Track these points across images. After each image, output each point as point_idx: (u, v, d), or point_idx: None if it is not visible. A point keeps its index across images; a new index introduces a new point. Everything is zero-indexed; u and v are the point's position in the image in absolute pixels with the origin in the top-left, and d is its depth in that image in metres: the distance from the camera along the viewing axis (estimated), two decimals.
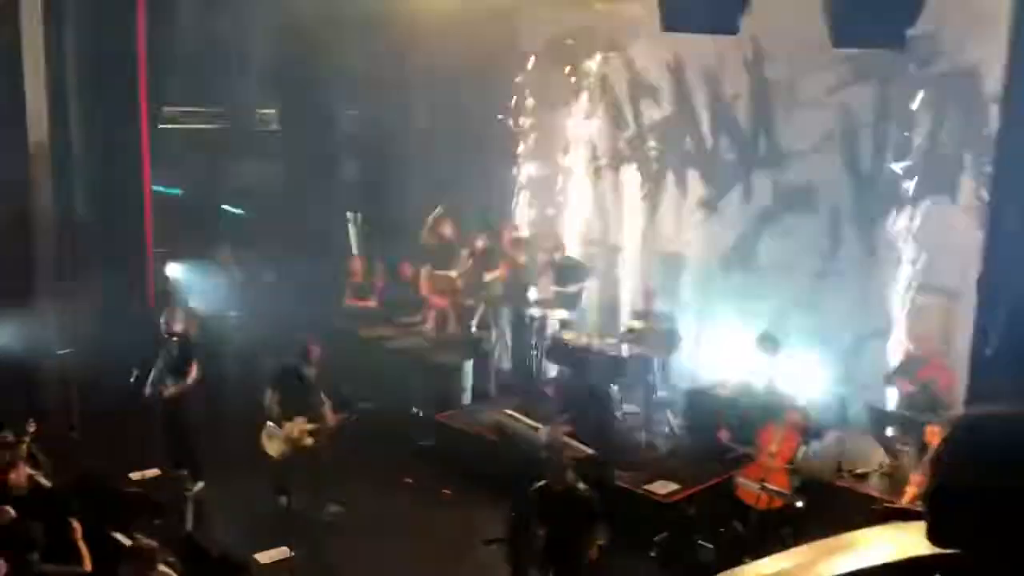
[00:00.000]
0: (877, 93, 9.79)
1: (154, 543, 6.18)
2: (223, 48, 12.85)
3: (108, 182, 10.57)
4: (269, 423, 8.22)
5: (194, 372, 9.08)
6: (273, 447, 8.13)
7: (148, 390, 9.01)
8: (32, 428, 8.10)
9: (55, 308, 10.45)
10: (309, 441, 8.04)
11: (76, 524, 6.59)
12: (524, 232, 12.18)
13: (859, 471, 8.58)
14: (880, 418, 8.58)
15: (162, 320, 9.23)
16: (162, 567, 6.26)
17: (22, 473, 7.59)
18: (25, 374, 10.32)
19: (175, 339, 9.10)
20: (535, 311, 10.90)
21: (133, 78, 10.30)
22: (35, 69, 10.07)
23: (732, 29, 4.11)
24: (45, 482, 7.98)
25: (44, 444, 9.60)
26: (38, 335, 10.25)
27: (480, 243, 11.80)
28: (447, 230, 11.73)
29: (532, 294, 11.31)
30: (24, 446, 7.82)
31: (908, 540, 1.97)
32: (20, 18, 9.90)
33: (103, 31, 10.30)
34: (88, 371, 10.61)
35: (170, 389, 8.98)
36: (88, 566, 6.44)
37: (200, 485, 9.13)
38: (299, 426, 7.99)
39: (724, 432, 8.34)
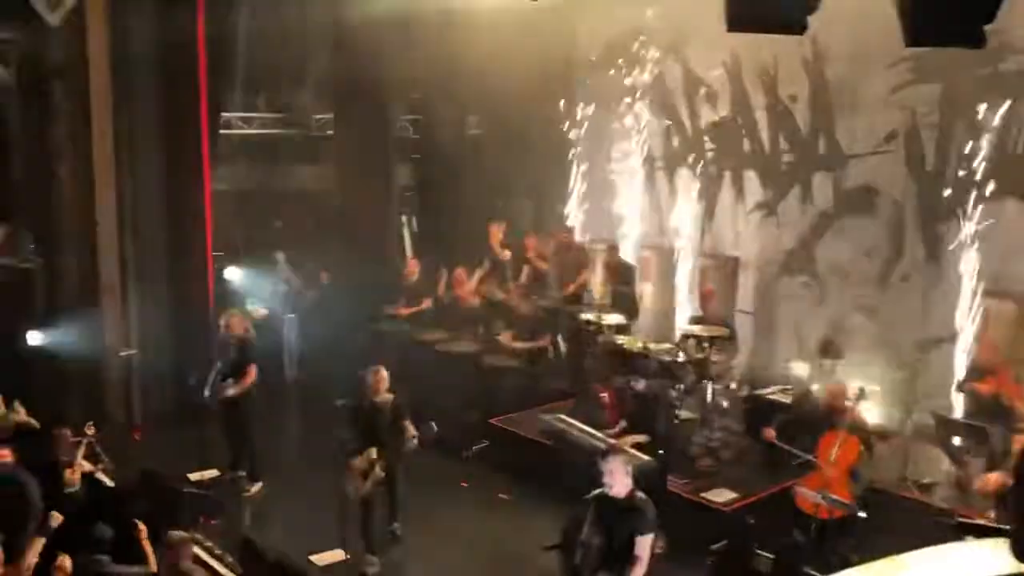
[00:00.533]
0: (943, 92, 9.53)
1: (186, 535, 6.23)
2: (280, 54, 13.05)
3: (170, 186, 10.72)
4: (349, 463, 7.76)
5: (252, 374, 9.14)
6: (351, 487, 7.68)
7: (207, 392, 9.06)
8: (91, 430, 8.29)
9: (119, 310, 10.64)
10: (380, 473, 7.63)
11: (142, 525, 6.68)
12: (577, 235, 12.06)
13: (924, 481, 8.36)
14: (946, 427, 8.33)
15: (221, 322, 9.32)
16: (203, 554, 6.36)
17: (78, 472, 7.78)
18: (90, 375, 10.54)
19: (234, 341, 9.16)
20: (589, 315, 10.81)
21: (194, 84, 10.45)
22: (99, 67, 10.31)
23: (800, 28, 3.98)
24: (108, 481, 8.16)
25: (106, 445, 9.90)
26: (102, 336, 10.46)
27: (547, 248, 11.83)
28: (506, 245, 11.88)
29: (586, 298, 11.22)
30: (83, 446, 8.01)
31: (987, 556, 1.87)
32: (86, 16, 10.16)
33: (164, 38, 10.45)
34: (150, 372, 10.83)
35: (229, 391, 9.05)
36: (154, 567, 6.52)
37: (258, 486, 9.24)
38: (369, 458, 7.60)
39: (769, 431, 8.18)
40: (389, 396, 7.68)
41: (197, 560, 6.83)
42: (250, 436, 9.26)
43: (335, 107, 13.43)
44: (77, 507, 7.28)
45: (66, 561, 5.84)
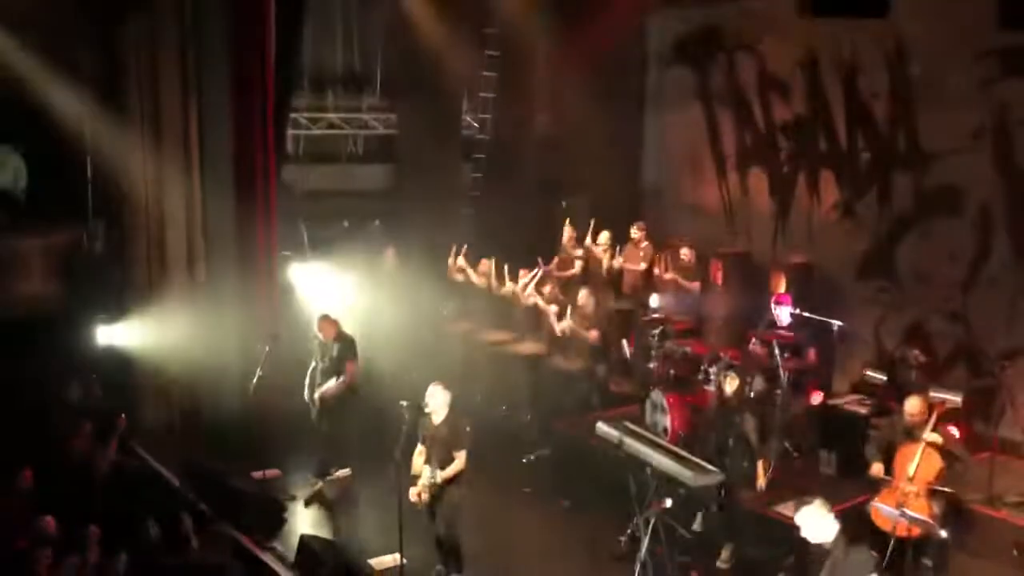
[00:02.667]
0: None
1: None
2: (346, 53, 13.10)
3: (237, 186, 10.79)
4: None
5: (351, 373, 9.21)
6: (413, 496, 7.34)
7: (307, 392, 9.31)
8: (122, 422, 8.57)
9: (187, 310, 10.76)
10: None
11: (187, 518, 6.78)
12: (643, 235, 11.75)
13: (1012, 499, 7.91)
14: None
15: (316, 322, 9.42)
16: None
17: (102, 463, 8.13)
18: (156, 373, 10.69)
19: (328, 342, 9.25)
20: (656, 316, 10.55)
21: (262, 82, 10.49)
22: (169, 68, 10.49)
23: (880, 11, 3.72)
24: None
25: (167, 442, 10.03)
26: (170, 336, 10.58)
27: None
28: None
29: (654, 301, 10.95)
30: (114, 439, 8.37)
31: None
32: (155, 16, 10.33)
33: (232, 37, 10.53)
34: (216, 371, 10.92)
35: (328, 390, 9.15)
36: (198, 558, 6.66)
37: (346, 471, 9.32)
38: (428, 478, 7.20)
39: (877, 467, 7.50)
40: (452, 415, 7.23)
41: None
42: (340, 432, 9.29)
43: (400, 106, 13.41)
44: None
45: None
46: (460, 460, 7.13)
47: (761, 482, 7.65)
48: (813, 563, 7.21)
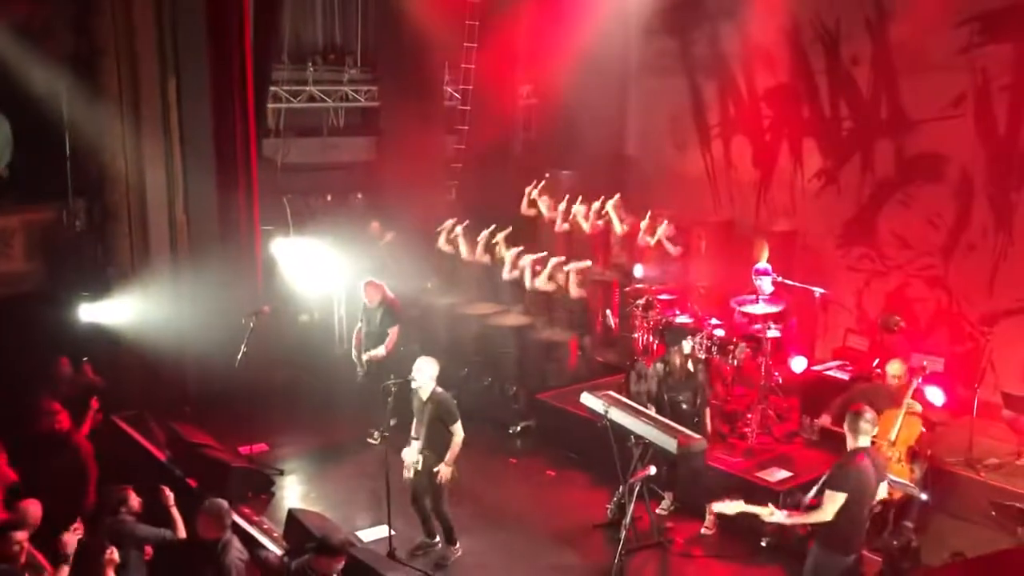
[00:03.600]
0: (1015, 52, 9.02)
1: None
2: (326, 26, 13.00)
3: (218, 160, 10.70)
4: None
5: (394, 337, 9.46)
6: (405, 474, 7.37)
7: (353, 352, 9.64)
8: (95, 405, 8.68)
9: (170, 286, 10.72)
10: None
11: (168, 490, 6.76)
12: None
13: (990, 461, 8.01)
14: (1016, 405, 7.95)
15: (361, 291, 9.62)
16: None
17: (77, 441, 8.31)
18: (141, 350, 10.64)
19: (374, 307, 9.48)
20: (640, 287, 10.58)
21: (241, 57, 10.39)
22: (146, 43, 10.34)
23: None
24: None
25: (158, 421, 10.03)
26: (154, 312, 10.54)
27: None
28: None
29: (638, 271, 10.97)
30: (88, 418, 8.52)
31: None
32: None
33: (210, 12, 10.41)
34: (201, 347, 10.90)
35: (376, 354, 9.43)
36: (182, 532, 6.60)
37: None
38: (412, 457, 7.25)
39: (824, 417, 8.00)
40: (436, 390, 7.21)
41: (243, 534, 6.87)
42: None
43: (382, 78, 13.32)
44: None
45: (114, 554, 5.88)
46: (457, 435, 7.16)
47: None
48: (796, 528, 7.36)
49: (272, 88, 11.84)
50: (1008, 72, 9.09)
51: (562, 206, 11.94)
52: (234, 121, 10.47)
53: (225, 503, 6.18)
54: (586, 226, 11.55)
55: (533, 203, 12.12)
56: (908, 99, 9.96)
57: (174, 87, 10.58)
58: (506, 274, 10.92)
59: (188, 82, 10.59)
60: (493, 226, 11.38)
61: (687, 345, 8.06)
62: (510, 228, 11.43)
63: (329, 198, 13.08)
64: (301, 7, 12.84)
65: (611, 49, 12.57)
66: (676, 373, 8.08)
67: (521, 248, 11.05)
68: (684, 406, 7.98)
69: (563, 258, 10.74)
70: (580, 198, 11.89)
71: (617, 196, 11.58)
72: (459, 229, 11.68)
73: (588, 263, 10.81)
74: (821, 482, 5.83)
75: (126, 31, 10.30)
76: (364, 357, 9.54)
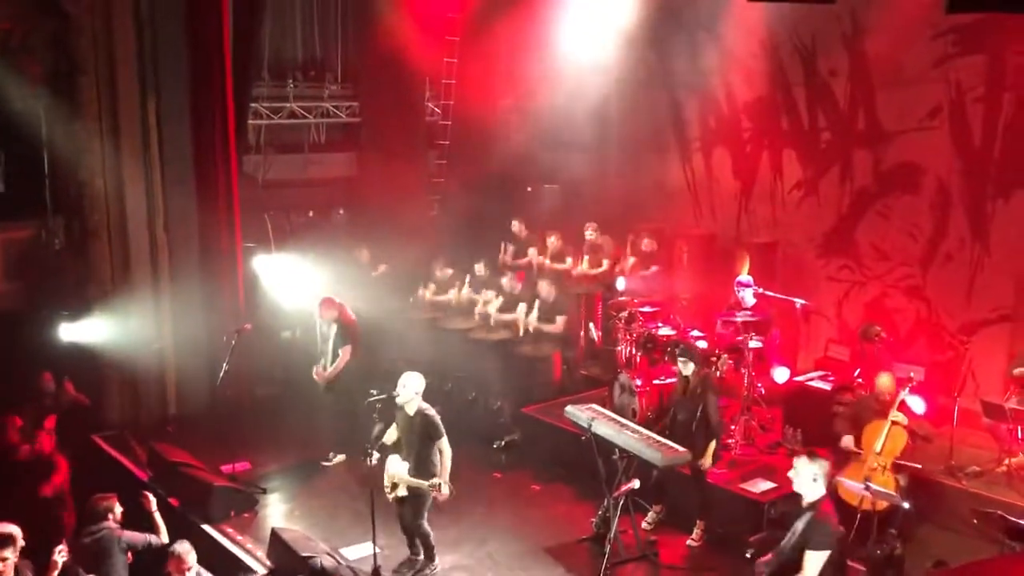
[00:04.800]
0: (989, 64, 9.14)
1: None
2: (306, 42, 13.00)
3: (198, 177, 10.67)
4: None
5: (346, 356, 9.29)
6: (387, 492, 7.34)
7: (315, 374, 9.48)
8: (49, 424, 8.81)
9: (151, 304, 10.66)
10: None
11: (151, 496, 6.90)
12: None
13: (971, 470, 8.07)
14: (995, 413, 8.02)
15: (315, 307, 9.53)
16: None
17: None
18: (122, 368, 10.57)
19: (327, 322, 9.40)
20: (622, 300, 10.62)
21: (220, 73, 10.37)
22: (125, 60, 10.32)
23: None
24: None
25: (140, 438, 9.97)
26: (135, 331, 10.47)
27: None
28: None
29: (620, 284, 11.00)
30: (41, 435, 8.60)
31: None
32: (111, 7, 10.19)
33: (189, 29, 10.40)
34: (183, 364, 10.84)
35: (326, 373, 9.35)
36: (165, 537, 6.78)
37: (341, 457, 9.41)
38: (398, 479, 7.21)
39: (848, 438, 7.71)
40: (422, 406, 7.16)
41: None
42: (348, 410, 9.30)
43: (362, 94, 13.33)
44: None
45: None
46: (446, 450, 7.14)
47: (708, 461, 7.70)
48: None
49: (252, 105, 11.81)
50: (982, 83, 9.20)
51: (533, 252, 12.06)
52: (214, 138, 10.44)
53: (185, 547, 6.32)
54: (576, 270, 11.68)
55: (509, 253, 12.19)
56: (885, 111, 10.06)
57: (154, 104, 10.56)
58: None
59: (168, 99, 10.57)
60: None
61: (688, 367, 7.88)
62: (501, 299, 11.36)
63: (311, 214, 13.07)
64: (280, 23, 12.85)
65: (591, 63, 12.62)
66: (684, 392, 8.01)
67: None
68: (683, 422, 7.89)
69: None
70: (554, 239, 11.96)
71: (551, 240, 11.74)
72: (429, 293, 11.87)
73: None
74: (792, 543, 5.54)
75: (105, 49, 10.28)
76: (314, 376, 9.44)
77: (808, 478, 5.55)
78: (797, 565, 5.44)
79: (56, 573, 5.77)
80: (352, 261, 11.84)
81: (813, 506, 5.56)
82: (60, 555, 5.81)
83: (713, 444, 7.70)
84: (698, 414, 7.67)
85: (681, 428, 7.77)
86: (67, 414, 9.41)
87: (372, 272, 12.01)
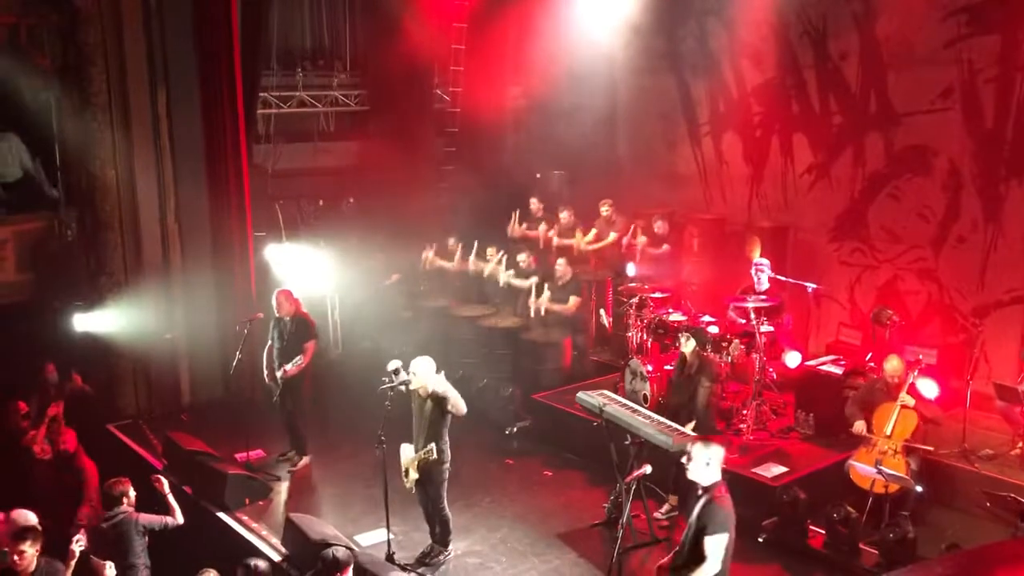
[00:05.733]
0: (1002, 44, 9.05)
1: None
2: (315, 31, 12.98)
3: (209, 166, 10.68)
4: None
5: (311, 352, 9.03)
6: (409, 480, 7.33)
7: (266, 372, 9.09)
8: (54, 410, 8.78)
9: (163, 294, 10.71)
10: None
11: (164, 478, 7.01)
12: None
13: (984, 453, 8.05)
14: (1008, 396, 7.99)
15: (273, 301, 9.15)
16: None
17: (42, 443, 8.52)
18: (135, 358, 10.64)
19: (287, 319, 9.05)
20: (633, 285, 10.61)
21: (229, 63, 10.37)
22: (135, 51, 10.35)
23: None
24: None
25: (154, 427, 10.05)
26: (147, 321, 10.54)
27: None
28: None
29: (630, 269, 10.99)
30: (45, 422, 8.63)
31: None
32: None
33: (198, 18, 10.41)
34: (196, 354, 10.90)
35: (288, 370, 8.89)
36: (180, 519, 6.91)
37: (305, 460, 9.26)
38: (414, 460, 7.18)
39: (860, 424, 7.63)
40: (431, 388, 7.10)
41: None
42: (299, 411, 9.23)
43: (371, 82, 13.31)
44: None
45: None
46: (460, 406, 7.09)
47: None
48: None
49: (262, 94, 11.82)
50: (994, 64, 9.12)
51: (543, 228, 12.00)
52: (224, 128, 10.46)
53: None
54: (582, 243, 11.62)
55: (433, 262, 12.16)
56: (896, 93, 9.99)
57: (164, 95, 10.60)
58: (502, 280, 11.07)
59: (178, 90, 10.60)
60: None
61: (689, 345, 7.95)
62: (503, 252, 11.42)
63: (321, 203, 13.08)
64: (288, 12, 12.84)
65: (599, 49, 12.58)
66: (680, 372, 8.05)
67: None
68: (675, 404, 7.96)
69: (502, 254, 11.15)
70: (567, 213, 11.91)
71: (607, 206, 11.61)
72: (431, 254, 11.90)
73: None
74: (692, 533, 5.45)
75: (115, 40, 10.32)
76: (278, 373, 8.92)
77: (702, 463, 5.49)
78: (700, 554, 5.38)
79: (74, 562, 5.82)
80: (364, 267, 11.79)
81: (708, 491, 5.50)
82: (78, 544, 5.86)
83: (691, 426, 7.65)
84: (691, 397, 7.70)
85: (673, 409, 7.83)
86: (79, 404, 9.51)
87: (385, 281, 12.02)
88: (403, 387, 7.10)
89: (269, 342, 9.14)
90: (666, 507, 8.04)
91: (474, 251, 11.67)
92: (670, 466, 7.55)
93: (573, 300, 10.47)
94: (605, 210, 11.58)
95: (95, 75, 10.30)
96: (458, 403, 7.06)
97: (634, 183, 12.87)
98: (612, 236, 11.44)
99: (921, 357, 7.88)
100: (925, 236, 9.86)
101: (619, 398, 8.16)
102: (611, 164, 13.28)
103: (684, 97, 12.34)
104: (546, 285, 10.56)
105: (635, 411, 7.79)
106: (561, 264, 10.60)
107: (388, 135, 12.87)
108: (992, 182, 9.29)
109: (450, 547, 7.46)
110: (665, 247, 11.00)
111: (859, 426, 7.67)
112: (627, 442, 7.55)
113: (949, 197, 9.64)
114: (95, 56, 10.28)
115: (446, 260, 11.95)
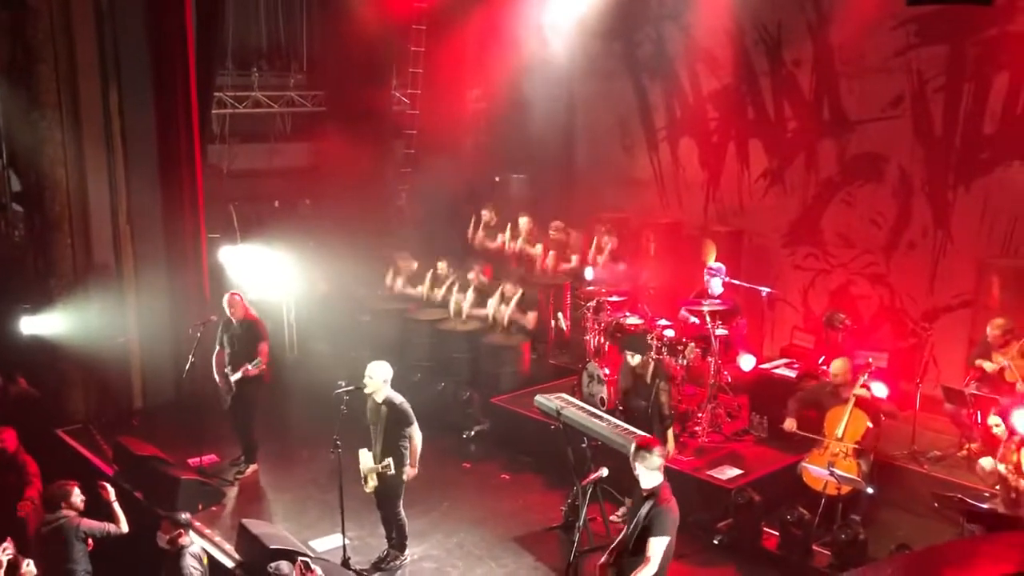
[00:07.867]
0: (950, 54, 9.25)
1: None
2: (271, 30, 12.86)
3: (162, 166, 10.52)
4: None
5: (266, 356, 8.84)
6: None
7: (217, 376, 8.90)
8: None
9: (114, 297, 10.52)
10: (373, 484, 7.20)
11: (109, 486, 6.90)
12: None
13: (932, 454, 8.21)
14: (956, 399, 8.15)
15: (224, 304, 8.97)
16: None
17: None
18: (86, 361, 10.43)
19: (237, 322, 8.89)
20: (590, 289, 10.65)
21: (183, 62, 10.23)
22: (86, 49, 10.13)
23: None
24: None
25: (104, 432, 9.86)
26: (98, 324, 10.33)
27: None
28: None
29: (588, 274, 11.03)
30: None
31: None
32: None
33: (151, 16, 10.25)
34: (148, 358, 10.72)
35: (247, 367, 8.68)
36: (125, 527, 6.84)
37: (252, 467, 9.14)
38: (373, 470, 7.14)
39: (790, 421, 7.90)
40: (390, 394, 7.11)
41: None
42: (252, 417, 9.10)
43: (328, 83, 13.21)
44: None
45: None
46: (416, 437, 7.13)
47: (670, 446, 7.69)
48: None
49: (217, 94, 11.66)
50: (942, 74, 9.32)
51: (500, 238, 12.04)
52: (178, 127, 10.31)
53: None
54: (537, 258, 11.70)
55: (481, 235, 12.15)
56: (849, 100, 10.16)
57: (116, 93, 10.39)
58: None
59: (130, 89, 10.40)
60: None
61: (634, 359, 7.88)
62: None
63: (276, 204, 12.95)
64: (244, 11, 12.69)
65: (557, 52, 12.63)
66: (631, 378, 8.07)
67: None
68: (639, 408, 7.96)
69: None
70: (525, 220, 11.90)
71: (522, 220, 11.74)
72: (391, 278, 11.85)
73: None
74: (638, 533, 5.49)
75: (64, 38, 10.07)
76: (234, 377, 8.69)
77: (652, 465, 5.55)
78: (644, 554, 5.42)
79: (2, 571, 5.72)
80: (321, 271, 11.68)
81: (653, 493, 5.55)
82: (5, 554, 5.76)
83: (671, 431, 7.73)
84: (651, 401, 7.72)
85: (637, 414, 7.82)
86: (25, 408, 9.29)
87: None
88: (359, 389, 7.07)
89: (218, 347, 8.95)
90: (622, 510, 8.05)
91: (428, 278, 11.59)
92: (626, 469, 7.57)
93: (531, 315, 10.55)
94: (553, 233, 11.60)
95: (44, 73, 10.03)
96: (415, 434, 7.12)
97: (591, 187, 12.93)
98: (574, 260, 11.49)
99: (871, 360, 8.00)
100: (877, 242, 10.04)
101: (577, 401, 8.19)
102: (569, 168, 13.33)
103: (641, 102, 12.43)
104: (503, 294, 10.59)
105: (592, 414, 7.82)
106: (509, 287, 10.67)
107: (345, 137, 12.76)
108: (941, 189, 9.50)
109: (406, 552, 7.43)
110: (622, 266, 11.01)
111: (789, 424, 7.83)
112: (584, 444, 7.58)
113: (900, 203, 9.83)
114: (44, 54, 10.02)
115: (410, 286, 11.83)
